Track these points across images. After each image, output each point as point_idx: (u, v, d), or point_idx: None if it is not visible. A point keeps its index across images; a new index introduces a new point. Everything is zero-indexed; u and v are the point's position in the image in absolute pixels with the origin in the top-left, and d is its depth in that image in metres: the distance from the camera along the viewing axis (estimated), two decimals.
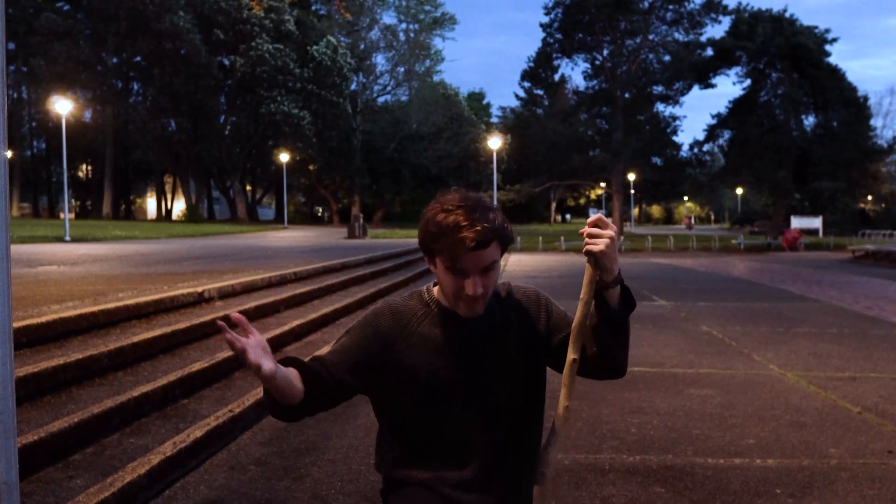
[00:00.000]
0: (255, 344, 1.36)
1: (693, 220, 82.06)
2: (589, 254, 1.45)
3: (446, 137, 55.85)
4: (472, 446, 1.59)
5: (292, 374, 1.48)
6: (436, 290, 1.64)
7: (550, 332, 1.63)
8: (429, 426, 1.60)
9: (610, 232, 1.44)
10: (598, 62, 43.94)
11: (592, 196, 76.48)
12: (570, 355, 1.51)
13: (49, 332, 4.58)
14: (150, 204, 66.89)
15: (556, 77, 48.50)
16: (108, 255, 14.20)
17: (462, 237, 1.43)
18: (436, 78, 60.43)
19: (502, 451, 1.60)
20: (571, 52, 44.59)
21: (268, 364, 1.35)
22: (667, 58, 43.71)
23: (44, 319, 4.62)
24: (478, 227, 1.44)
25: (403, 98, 60.45)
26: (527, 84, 50.35)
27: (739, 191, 67.94)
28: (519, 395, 1.62)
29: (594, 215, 1.48)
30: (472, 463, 1.59)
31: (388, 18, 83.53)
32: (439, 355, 1.58)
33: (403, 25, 58.59)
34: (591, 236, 1.44)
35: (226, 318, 1.48)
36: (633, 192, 53.97)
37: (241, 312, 1.42)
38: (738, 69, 43.60)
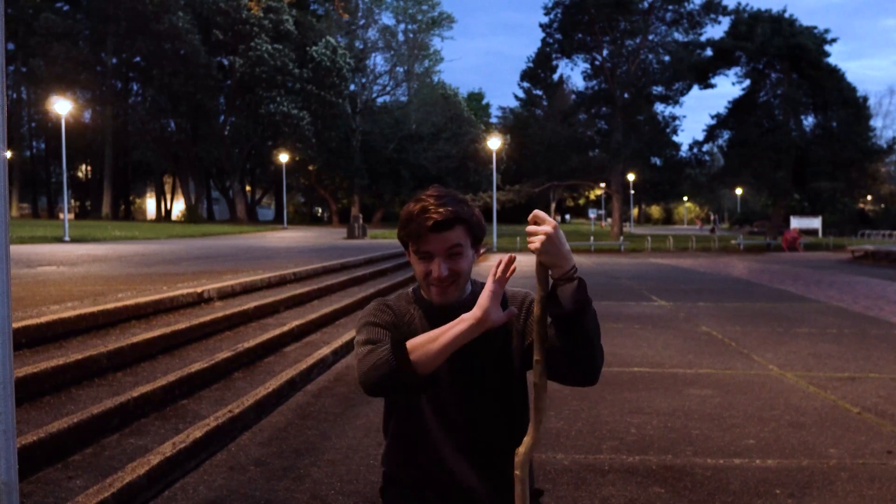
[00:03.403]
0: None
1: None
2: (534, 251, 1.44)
3: (445, 138, 55.79)
4: (459, 447, 1.59)
5: None
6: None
7: (526, 332, 1.61)
8: (417, 426, 1.60)
9: (545, 227, 1.39)
10: (597, 62, 43.94)
11: (592, 196, 76.35)
12: (535, 356, 1.47)
13: (48, 333, 4.58)
14: (150, 204, 66.90)
15: (556, 77, 48.54)
16: (107, 255, 14.19)
17: (425, 217, 1.49)
18: (435, 78, 60.38)
19: (490, 451, 1.60)
20: (571, 53, 44.59)
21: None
22: (666, 58, 43.70)
23: (43, 320, 4.62)
24: (441, 209, 1.49)
25: (402, 98, 60.42)
26: (526, 84, 50.32)
27: (739, 191, 67.87)
28: (501, 395, 1.61)
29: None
30: (460, 463, 1.59)
31: (387, 19, 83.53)
32: None
33: (402, 26, 58.64)
34: (529, 234, 1.42)
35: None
36: (632, 192, 53.95)
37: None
38: (737, 69, 43.59)
